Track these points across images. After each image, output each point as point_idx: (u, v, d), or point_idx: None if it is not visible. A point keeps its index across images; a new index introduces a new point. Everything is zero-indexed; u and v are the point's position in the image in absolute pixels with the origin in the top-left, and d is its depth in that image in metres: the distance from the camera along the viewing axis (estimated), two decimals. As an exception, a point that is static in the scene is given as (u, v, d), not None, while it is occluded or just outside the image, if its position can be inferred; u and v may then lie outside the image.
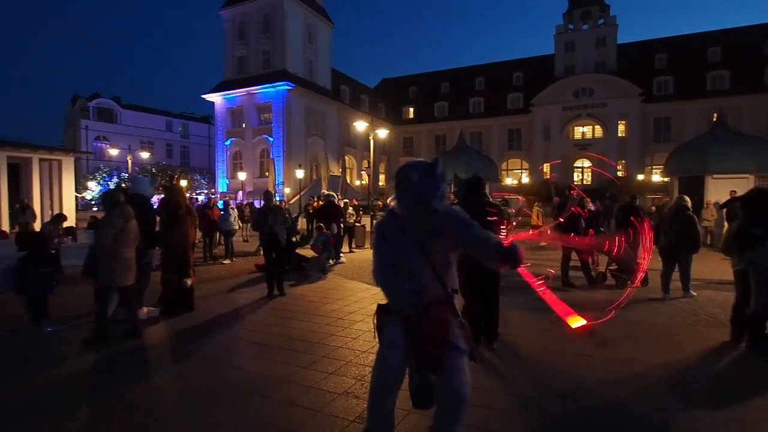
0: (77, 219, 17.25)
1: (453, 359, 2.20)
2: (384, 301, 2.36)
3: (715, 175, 14.73)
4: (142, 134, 46.26)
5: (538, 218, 14.48)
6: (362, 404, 3.15)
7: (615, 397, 3.37)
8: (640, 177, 37.54)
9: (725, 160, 14.89)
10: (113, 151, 34.05)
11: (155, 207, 6.39)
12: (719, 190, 13.91)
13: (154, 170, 36.06)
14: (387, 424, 2.39)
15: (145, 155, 35.82)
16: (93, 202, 32.61)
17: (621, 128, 41.27)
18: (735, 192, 9.86)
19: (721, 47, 39.86)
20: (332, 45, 42.74)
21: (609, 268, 7.78)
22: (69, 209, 15.51)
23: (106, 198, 5.06)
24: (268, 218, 6.95)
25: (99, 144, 42.67)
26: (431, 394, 2.40)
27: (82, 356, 4.35)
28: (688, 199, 6.85)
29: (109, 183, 34.44)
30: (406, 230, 2.24)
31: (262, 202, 7.55)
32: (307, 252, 10.21)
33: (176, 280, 5.84)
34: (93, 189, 34.99)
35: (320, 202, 17.55)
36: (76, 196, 19.13)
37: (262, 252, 11.85)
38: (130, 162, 29.31)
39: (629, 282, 7.15)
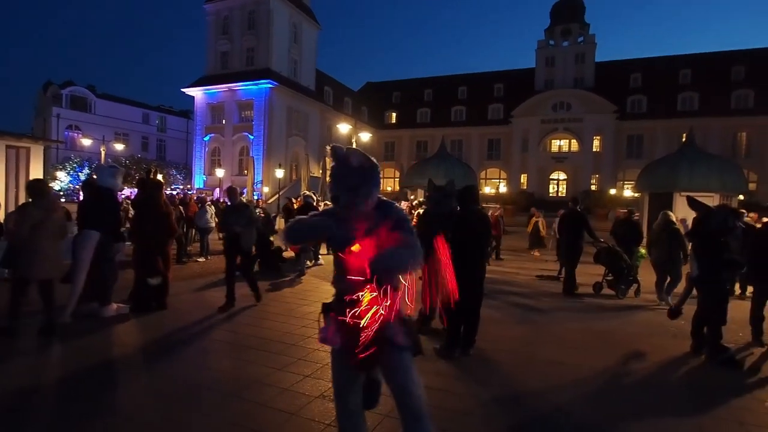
0: (44, 210, 16.60)
1: (392, 356, 2.17)
2: (328, 300, 2.34)
3: (683, 193, 15.31)
4: (117, 125, 44.88)
5: (542, 229, 14.39)
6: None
7: (580, 402, 3.47)
8: (613, 191, 38.70)
9: (693, 178, 15.53)
10: (86, 141, 32.94)
11: (133, 200, 6.27)
12: (687, 207, 14.45)
13: (128, 162, 35.03)
14: (356, 424, 2.39)
15: (119, 147, 34.78)
16: (62, 193, 31.43)
17: (596, 143, 42.47)
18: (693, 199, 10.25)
19: (691, 70, 41.57)
20: (318, 46, 42.61)
21: (606, 278, 7.94)
22: (36, 199, 14.90)
23: (31, 187, 4.89)
24: (227, 220, 6.19)
25: (71, 133, 41.18)
26: (375, 393, 2.39)
27: (44, 353, 4.21)
28: (672, 214, 7.30)
29: (79, 174, 33.29)
30: (343, 219, 2.20)
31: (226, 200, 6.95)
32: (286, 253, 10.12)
33: (146, 276, 5.70)
34: (62, 179, 33.73)
35: (300, 202, 17.48)
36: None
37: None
38: (103, 153, 28.42)
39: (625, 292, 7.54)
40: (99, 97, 44.83)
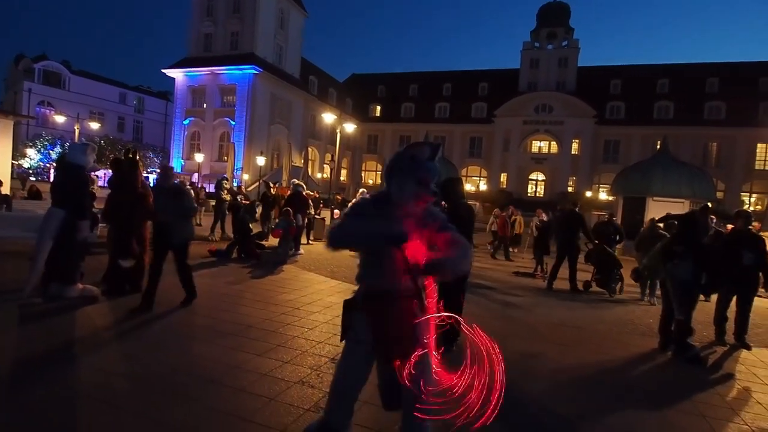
0: (12, 188, 15.96)
1: (421, 352, 2.19)
2: (350, 297, 2.34)
3: (655, 198, 15.81)
4: (92, 104, 43.35)
5: (520, 227, 14.58)
6: (317, 394, 3.15)
7: (553, 394, 3.57)
8: (589, 194, 39.64)
9: (665, 184, 16.05)
10: (59, 119, 31.74)
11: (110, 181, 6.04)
12: (658, 211, 14.93)
13: (103, 143, 33.92)
14: (347, 417, 2.41)
15: (94, 126, 33.60)
16: (31, 171, 30.28)
17: (575, 146, 43.40)
18: (670, 214, 10.63)
19: (668, 80, 42.83)
20: (304, 34, 42.04)
21: (595, 277, 8.19)
22: (4, 176, 14.34)
23: None
24: (156, 205, 5.26)
25: (43, 109, 39.64)
26: (401, 390, 2.39)
27: (8, 334, 4.07)
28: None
29: (50, 152, 32.10)
30: (394, 216, 2.15)
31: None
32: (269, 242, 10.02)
33: (120, 259, 5.56)
34: (32, 157, 32.46)
35: (277, 187, 17.32)
36: (13, 164, 17.70)
37: (216, 237, 11.56)
38: (77, 131, 27.43)
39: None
40: (74, 74, 43.22)
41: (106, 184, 7.92)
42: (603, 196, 37.33)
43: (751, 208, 33.67)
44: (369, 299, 2.23)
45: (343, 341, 2.31)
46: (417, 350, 2.19)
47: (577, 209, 8.52)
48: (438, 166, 2.20)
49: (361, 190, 12.05)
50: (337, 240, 2.17)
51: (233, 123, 34.66)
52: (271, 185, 14.19)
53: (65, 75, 42.39)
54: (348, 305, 2.32)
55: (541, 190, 44.89)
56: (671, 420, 3.26)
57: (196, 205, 5.54)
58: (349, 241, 2.24)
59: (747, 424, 3.29)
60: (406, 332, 2.19)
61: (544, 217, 11.70)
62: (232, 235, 10.29)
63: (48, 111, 39.08)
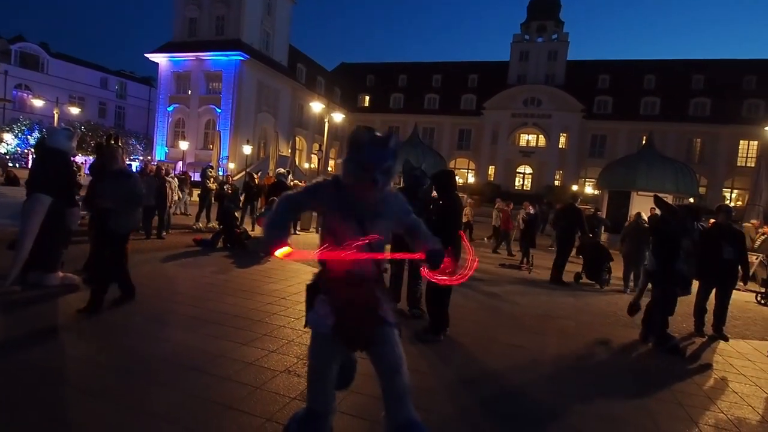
0: (-11, 173, 15.49)
1: (385, 334, 2.23)
2: (311, 281, 2.35)
3: (640, 192, 16.06)
4: (72, 88, 42.17)
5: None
6: (304, 383, 3.13)
7: (536, 383, 3.62)
8: (575, 188, 40.07)
9: (650, 179, 16.30)
10: (37, 103, 30.84)
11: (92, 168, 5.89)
12: (643, 205, 15.18)
13: (83, 129, 33.10)
14: (329, 402, 2.41)
15: (74, 111, 32.74)
16: (8, 156, 29.43)
17: (562, 140, 43.77)
18: (654, 209, 10.83)
19: (655, 76, 43.34)
20: (292, 21, 41.38)
21: (586, 270, 8.41)
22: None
23: None
24: (97, 189, 4.72)
25: (20, 93, 38.44)
26: (351, 373, 2.51)
27: (-7, 320, 3.97)
28: (643, 214, 8.48)
29: (28, 137, 31.22)
30: (346, 208, 2.17)
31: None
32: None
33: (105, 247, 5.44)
34: (9, 142, 31.54)
35: (259, 176, 17.16)
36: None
37: (202, 226, 11.42)
38: (56, 116, 26.71)
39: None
40: (53, 57, 41.92)
41: (87, 171, 7.73)
42: (589, 190, 37.80)
43: (732, 204, 34.50)
44: (331, 282, 2.24)
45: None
46: (382, 331, 2.22)
47: (576, 204, 8.76)
48: (391, 153, 2.16)
49: (278, 170, 11.75)
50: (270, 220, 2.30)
51: (219, 110, 34.10)
52: (255, 176, 14.04)
53: (43, 57, 41.11)
54: (310, 289, 2.33)
55: (528, 184, 45.27)
56: (650, 408, 3.34)
57: (144, 191, 4.73)
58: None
59: (723, 412, 3.39)
60: (366, 315, 2.20)
61: (531, 210, 11.81)
62: (217, 225, 10.18)
63: (25, 95, 37.93)
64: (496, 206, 13.36)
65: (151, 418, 2.57)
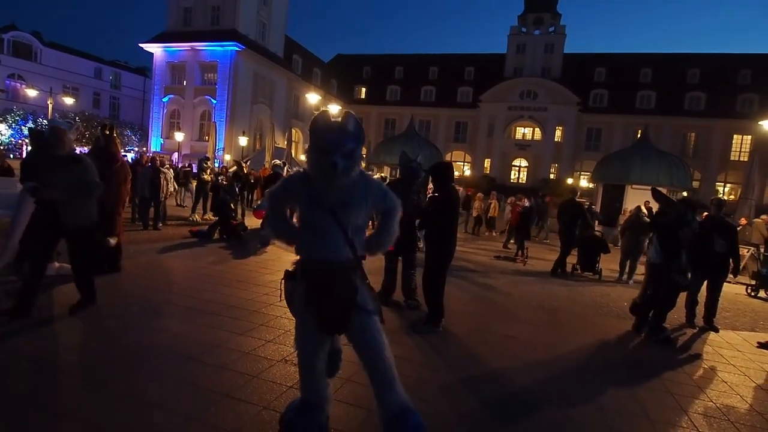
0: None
1: (364, 322, 2.25)
2: (290, 268, 2.37)
3: (634, 186, 16.17)
4: (66, 78, 41.62)
5: (494, 210, 15.08)
6: (300, 371, 3.18)
7: (529, 372, 3.67)
8: (570, 181, 40.21)
9: (644, 173, 16.40)
10: (31, 92, 30.46)
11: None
12: (637, 199, 15.30)
13: (78, 119, 32.76)
14: (320, 389, 2.44)
15: (69, 101, 32.39)
16: (2, 147, 29.12)
17: (558, 133, 43.82)
18: (648, 202, 10.91)
19: (651, 69, 43.35)
20: (288, 11, 40.97)
21: (583, 261, 8.66)
22: (-27, 151, 13.77)
23: None
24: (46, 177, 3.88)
25: (13, 83, 37.92)
26: (337, 360, 2.53)
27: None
28: (643, 207, 8.74)
29: (22, 127, 30.86)
30: (316, 198, 2.18)
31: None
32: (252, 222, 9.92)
33: (100, 237, 5.44)
34: (3, 133, 31.20)
35: (248, 165, 17.13)
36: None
37: (197, 217, 11.39)
38: (50, 106, 26.43)
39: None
40: (46, 46, 41.27)
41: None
42: (584, 183, 37.93)
43: (725, 198, 34.68)
44: (306, 271, 2.26)
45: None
46: (360, 319, 2.23)
47: (576, 198, 9.03)
48: (352, 137, 2.15)
49: (274, 161, 11.83)
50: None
51: (214, 101, 33.84)
52: (244, 165, 13.98)
53: (37, 47, 40.50)
54: (287, 276, 2.36)
55: (523, 177, 45.36)
56: (640, 397, 3.40)
57: (99, 180, 4.10)
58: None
59: (712, 401, 3.46)
60: (341, 302, 2.22)
61: (526, 203, 11.87)
62: (213, 216, 10.17)
63: (19, 84, 37.43)
64: (508, 201, 13.48)
65: (148, 407, 2.60)
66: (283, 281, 2.38)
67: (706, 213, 7.84)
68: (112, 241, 5.48)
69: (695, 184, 35.60)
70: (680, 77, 41.91)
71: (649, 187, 14.53)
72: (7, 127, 31.59)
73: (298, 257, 2.33)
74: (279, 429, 2.42)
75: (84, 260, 4.17)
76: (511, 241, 11.44)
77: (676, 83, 41.46)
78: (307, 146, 2.25)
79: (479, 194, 15.32)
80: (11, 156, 26.01)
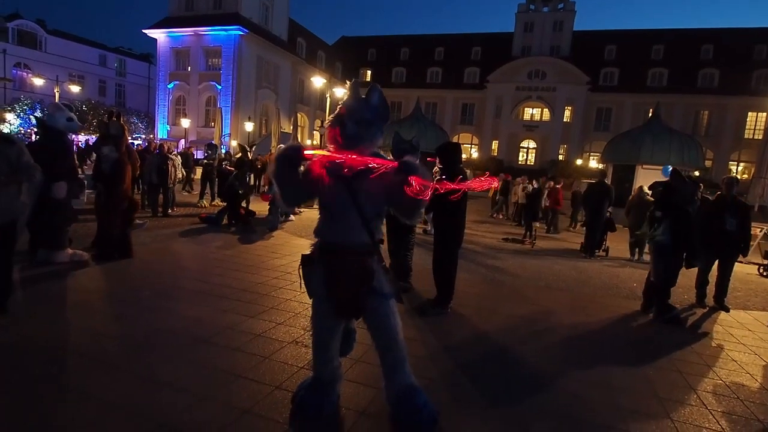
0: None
1: (379, 305, 2.28)
2: (307, 252, 2.40)
3: (644, 165, 15.92)
4: (71, 66, 41.59)
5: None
6: (310, 353, 3.20)
7: (537, 352, 3.70)
8: (579, 162, 39.77)
9: (655, 152, 16.11)
10: (37, 81, 30.53)
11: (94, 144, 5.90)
12: (647, 179, 15.07)
13: (84, 107, 32.86)
14: (333, 369, 2.50)
15: (74, 89, 32.43)
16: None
17: (567, 113, 43.13)
18: (657, 182, 10.78)
19: (663, 46, 42.28)
20: (291, -7, 40.37)
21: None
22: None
23: None
24: None
25: (19, 72, 38.01)
26: (351, 340, 2.60)
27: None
28: (646, 188, 8.58)
29: (30, 116, 31.02)
30: (332, 172, 2.19)
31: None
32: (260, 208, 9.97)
33: (119, 222, 5.52)
34: (12, 122, 31.41)
35: (253, 151, 17.13)
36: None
37: (206, 203, 11.47)
38: (57, 95, 26.51)
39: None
40: (50, 34, 41.20)
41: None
42: (593, 164, 37.48)
43: (738, 177, 34.11)
44: (324, 253, 2.29)
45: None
46: (376, 302, 2.26)
47: (605, 180, 9.41)
48: (371, 107, 2.23)
49: (280, 146, 11.79)
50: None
51: (219, 87, 33.68)
52: (249, 150, 13.97)
53: (41, 35, 40.42)
54: (304, 260, 2.38)
55: (532, 158, 44.89)
56: (648, 376, 3.41)
57: (31, 165, 3.55)
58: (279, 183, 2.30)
59: (721, 380, 3.46)
60: (357, 285, 2.24)
61: (535, 185, 11.78)
62: (221, 202, 10.23)
63: (25, 73, 37.50)
64: (546, 185, 13.22)
65: (162, 387, 2.66)
66: (299, 266, 2.41)
67: (718, 192, 7.76)
68: (137, 223, 5.53)
69: (708, 163, 34.97)
70: (693, 54, 40.86)
71: (660, 167, 14.35)
72: (15, 117, 31.79)
73: (315, 240, 2.36)
74: (291, 408, 2.48)
75: (7, 258, 3.55)
76: (514, 223, 11.40)
77: (689, 60, 40.45)
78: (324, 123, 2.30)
79: (521, 178, 14.79)
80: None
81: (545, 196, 12.57)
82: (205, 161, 12.14)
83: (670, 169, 5.54)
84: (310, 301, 4.41)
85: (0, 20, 38.99)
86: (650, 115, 19.15)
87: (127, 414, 2.38)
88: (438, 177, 5.23)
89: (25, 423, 2.26)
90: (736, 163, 39.91)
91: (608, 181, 16.76)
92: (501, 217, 15.02)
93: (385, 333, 2.32)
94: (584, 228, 9.42)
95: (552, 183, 12.83)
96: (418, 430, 2.31)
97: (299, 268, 2.41)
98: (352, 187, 2.17)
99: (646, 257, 8.34)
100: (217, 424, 2.32)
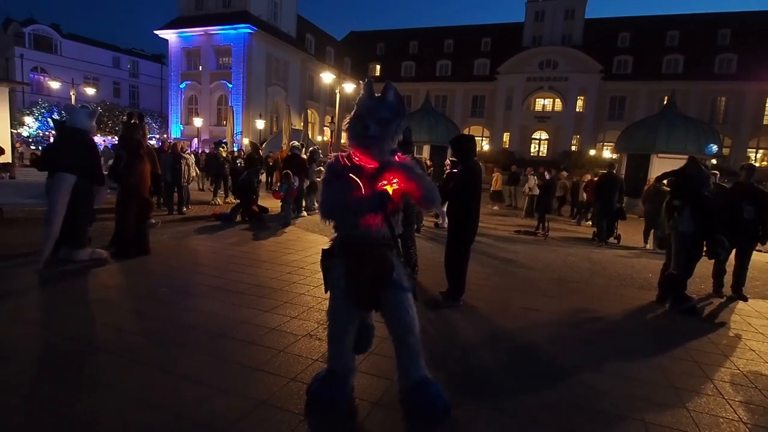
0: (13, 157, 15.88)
1: (398, 297, 2.34)
2: (327, 246, 2.47)
3: (660, 155, 15.64)
4: (86, 69, 42.28)
5: (496, 184, 15.19)
6: (324, 346, 3.25)
7: (551, 344, 3.69)
8: (592, 152, 39.18)
9: (671, 141, 15.82)
10: (54, 85, 31.12)
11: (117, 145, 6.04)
12: (663, 168, 14.79)
13: (100, 109, 33.41)
14: (347, 363, 2.54)
15: (90, 91, 32.98)
16: (30, 140, 30.03)
17: (579, 103, 42.42)
18: (667, 172, 10.67)
19: (679, 32, 41.25)
20: (299, -11, 40.36)
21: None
22: (4, 144, 14.25)
23: None
24: None
25: (36, 76, 38.75)
26: (369, 338, 2.67)
27: (25, 295, 4.20)
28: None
29: (48, 119, 31.66)
30: (354, 172, 2.27)
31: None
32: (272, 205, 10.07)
33: (138, 221, 5.65)
34: (30, 125, 32.10)
35: (263, 148, 17.32)
36: (12, 132, 17.57)
37: (219, 201, 11.62)
38: (73, 97, 27.01)
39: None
40: (65, 38, 41.89)
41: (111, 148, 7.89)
42: (607, 154, 36.89)
43: (757, 165, 33.30)
44: (344, 246, 2.36)
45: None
46: (394, 295, 2.34)
47: (614, 171, 9.65)
48: (388, 105, 2.27)
49: (293, 143, 11.87)
50: (328, 214, 2.35)
51: (230, 86, 33.91)
52: (260, 147, 14.12)
53: (56, 39, 41.12)
54: (326, 253, 2.47)
55: (544, 150, 44.33)
56: (664, 366, 3.39)
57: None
58: (338, 214, 2.34)
59: (739, 369, 3.42)
60: (377, 278, 2.31)
61: (547, 176, 11.67)
62: (234, 200, 10.35)
63: (42, 77, 38.22)
64: (582, 179, 13.15)
65: (180, 379, 2.74)
66: (322, 260, 2.50)
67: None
68: (153, 222, 5.67)
69: (725, 150, 34.24)
70: (710, 39, 39.77)
71: (677, 155, 14.08)
72: (34, 120, 32.47)
73: (335, 234, 2.43)
74: (306, 399, 2.52)
75: None
76: (521, 215, 11.32)
77: (706, 45, 39.38)
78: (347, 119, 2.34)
79: (563, 173, 14.82)
80: (39, 147, 26.80)
81: (582, 188, 12.60)
82: (211, 154, 12.30)
83: (714, 148, 5.47)
84: (323, 296, 4.48)
85: (16, 26, 39.75)
86: (665, 102, 18.78)
87: (147, 405, 2.45)
88: (450, 170, 5.22)
89: (52, 413, 2.34)
90: (754, 150, 38.87)
91: (622, 171, 16.68)
92: (496, 208, 14.92)
93: (402, 326, 2.37)
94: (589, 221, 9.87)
95: (589, 176, 12.99)
96: (432, 419, 2.35)
97: (320, 261, 2.49)
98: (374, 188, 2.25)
99: (649, 246, 8.83)
100: (234, 415, 2.39)
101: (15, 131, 26.71)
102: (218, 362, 2.97)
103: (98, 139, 29.06)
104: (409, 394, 2.39)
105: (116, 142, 6.09)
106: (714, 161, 18.50)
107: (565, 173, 15.12)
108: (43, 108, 33.08)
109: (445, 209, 4.85)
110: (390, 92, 2.30)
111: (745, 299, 5.35)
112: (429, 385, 2.38)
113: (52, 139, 26.90)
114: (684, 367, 3.41)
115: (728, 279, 5.58)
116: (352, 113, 2.32)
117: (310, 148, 12.46)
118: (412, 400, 2.38)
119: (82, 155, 5.14)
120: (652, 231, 8.77)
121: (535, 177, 13.33)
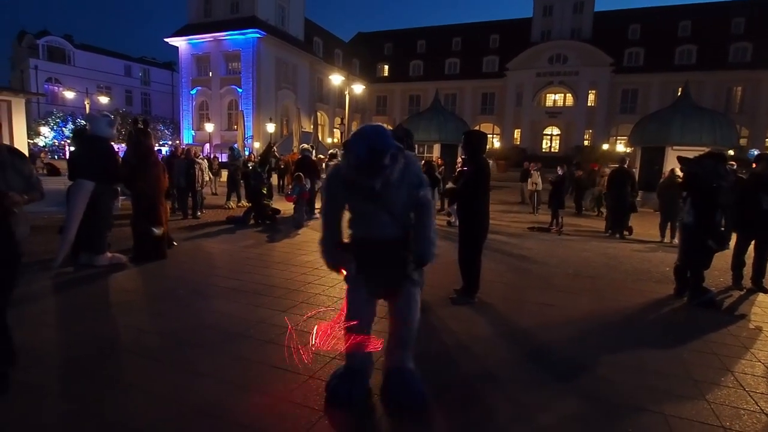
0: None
1: (408, 290, 2.50)
2: (346, 241, 2.55)
3: (675, 147, 15.39)
4: (99, 78, 43.15)
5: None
6: (343, 344, 3.31)
7: (568, 339, 3.68)
8: (605, 147, 38.69)
9: (685, 133, 15.54)
10: (68, 95, 31.79)
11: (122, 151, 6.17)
12: (677, 162, 14.59)
13: (119, 119, 34.03)
14: (364, 359, 2.58)
15: (103, 100, 33.63)
16: (45, 149, 30.71)
17: (591, 97, 41.92)
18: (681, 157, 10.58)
19: (691, 22, 40.52)
20: (306, -7, 40.60)
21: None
22: (22, 154, 14.58)
23: None
24: None
25: (51, 86, 39.62)
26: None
27: (49, 297, 4.31)
28: (677, 170, 8.32)
29: (63, 129, 32.36)
30: (355, 189, 2.31)
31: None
32: (284, 206, 10.16)
33: (144, 227, 5.75)
34: (46, 135, 32.82)
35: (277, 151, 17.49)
36: (29, 143, 18.00)
37: (232, 205, 11.76)
38: (87, 107, 27.57)
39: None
40: (77, 48, 42.77)
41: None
42: (620, 148, 36.39)
43: (775, 154, 32.45)
44: (357, 246, 2.49)
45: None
46: (406, 287, 2.48)
47: (625, 166, 9.72)
48: (386, 165, 2.21)
49: (303, 145, 12.00)
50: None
51: (240, 90, 34.26)
52: (275, 148, 14.25)
53: (69, 50, 42.01)
54: (343, 247, 2.57)
55: (556, 145, 43.90)
56: (683, 358, 3.36)
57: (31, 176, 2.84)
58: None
59: (760, 361, 3.37)
60: (389, 273, 2.46)
61: (559, 172, 11.57)
62: (247, 203, 10.46)
63: (56, 88, 39.07)
64: (601, 173, 13.07)
65: (201, 377, 2.80)
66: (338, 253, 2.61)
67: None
68: (157, 231, 5.78)
69: (742, 141, 33.55)
70: (723, 28, 38.98)
71: (692, 148, 13.90)
72: (49, 129, 33.18)
73: (350, 232, 2.53)
74: (325, 395, 2.56)
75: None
76: (529, 212, 11.24)
77: (719, 35, 38.62)
78: (343, 145, 2.44)
79: (533, 164, 14.25)
80: (55, 157, 27.42)
81: (599, 182, 12.61)
82: (230, 163, 12.42)
83: (756, 153, 5.42)
84: (338, 295, 4.53)
85: (30, 38, 40.69)
86: (679, 94, 18.45)
87: (168, 402, 2.52)
88: (460, 167, 5.22)
89: (77, 412, 2.42)
90: (773, 139, 38.02)
91: (636, 165, 16.46)
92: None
93: (403, 315, 2.50)
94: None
95: (608, 171, 12.68)
96: (408, 407, 2.46)
97: (338, 254, 2.60)
98: (380, 197, 2.30)
99: (666, 239, 8.75)
100: (254, 411, 2.44)
101: (31, 141, 27.33)
102: (238, 361, 3.03)
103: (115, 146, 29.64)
104: (389, 378, 2.53)
105: (126, 149, 6.19)
106: (731, 152, 18.14)
107: (606, 170, 14.65)
108: (58, 118, 33.77)
109: (455, 208, 4.87)
110: (381, 149, 2.19)
111: (766, 291, 5.26)
112: (410, 375, 2.52)
113: (67, 149, 27.41)
114: (704, 359, 3.37)
115: (747, 271, 5.49)
116: (350, 161, 2.27)
117: (329, 151, 12.60)
118: (392, 386, 2.51)
119: (101, 163, 5.27)
120: (669, 223, 8.67)
121: (539, 173, 13.17)
